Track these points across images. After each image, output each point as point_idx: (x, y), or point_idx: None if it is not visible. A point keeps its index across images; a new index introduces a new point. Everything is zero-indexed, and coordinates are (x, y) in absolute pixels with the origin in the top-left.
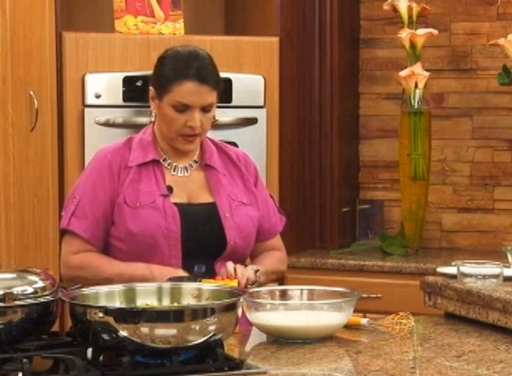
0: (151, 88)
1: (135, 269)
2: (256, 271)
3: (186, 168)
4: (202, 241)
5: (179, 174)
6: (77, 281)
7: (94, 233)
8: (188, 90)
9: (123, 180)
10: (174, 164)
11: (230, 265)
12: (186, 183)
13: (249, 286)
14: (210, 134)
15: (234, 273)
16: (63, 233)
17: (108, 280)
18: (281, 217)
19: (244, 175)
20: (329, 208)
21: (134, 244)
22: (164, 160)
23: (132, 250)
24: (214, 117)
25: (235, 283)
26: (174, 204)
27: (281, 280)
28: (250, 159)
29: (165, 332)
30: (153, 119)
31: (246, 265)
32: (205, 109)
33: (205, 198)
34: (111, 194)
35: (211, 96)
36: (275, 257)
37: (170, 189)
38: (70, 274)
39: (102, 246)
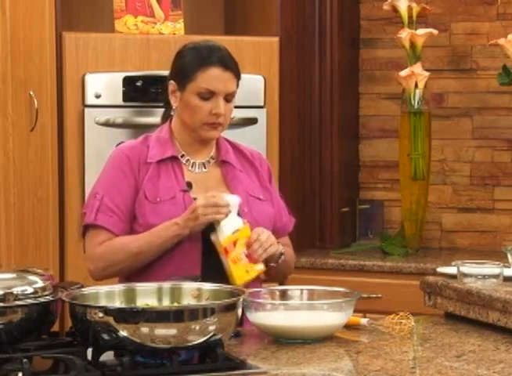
0: (171, 82)
1: (160, 231)
2: (281, 253)
3: (204, 165)
4: None
5: (197, 170)
6: (109, 272)
7: (121, 227)
8: (213, 75)
9: (143, 176)
10: (192, 161)
11: (258, 229)
12: (204, 179)
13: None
14: None
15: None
16: (86, 229)
17: (139, 254)
18: (291, 217)
19: (259, 172)
20: (329, 208)
21: None
22: (182, 157)
23: None
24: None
25: (256, 268)
26: (194, 198)
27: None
28: (264, 158)
29: (165, 332)
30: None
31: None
32: (227, 98)
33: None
34: (133, 189)
35: (234, 85)
36: (288, 252)
37: (189, 185)
38: (100, 265)
39: None
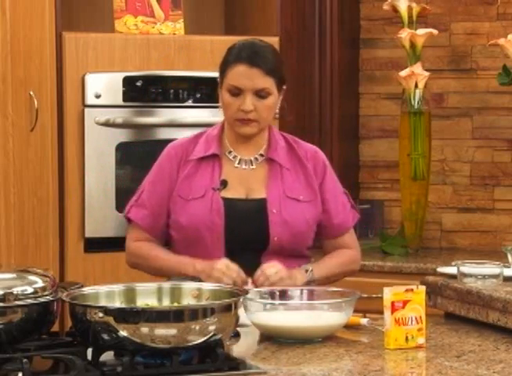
0: (218, 79)
1: (179, 264)
2: (307, 270)
3: (251, 161)
4: (246, 236)
5: (244, 166)
6: (137, 268)
7: (151, 223)
8: (239, 72)
9: (181, 174)
10: (240, 157)
11: (263, 267)
12: (249, 177)
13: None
14: None
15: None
16: (127, 221)
17: (159, 271)
18: (354, 213)
19: (309, 172)
20: None
21: (182, 234)
22: (229, 153)
23: (182, 240)
24: (276, 109)
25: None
26: (226, 198)
27: None
28: (320, 154)
29: (165, 332)
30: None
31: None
32: (260, 94)
33: (260, 194)
34: (169, 187)
35: (263, 81)
36: (344, 257)
37: (224, 183)
38: (131, 260)
39: (162, 236)
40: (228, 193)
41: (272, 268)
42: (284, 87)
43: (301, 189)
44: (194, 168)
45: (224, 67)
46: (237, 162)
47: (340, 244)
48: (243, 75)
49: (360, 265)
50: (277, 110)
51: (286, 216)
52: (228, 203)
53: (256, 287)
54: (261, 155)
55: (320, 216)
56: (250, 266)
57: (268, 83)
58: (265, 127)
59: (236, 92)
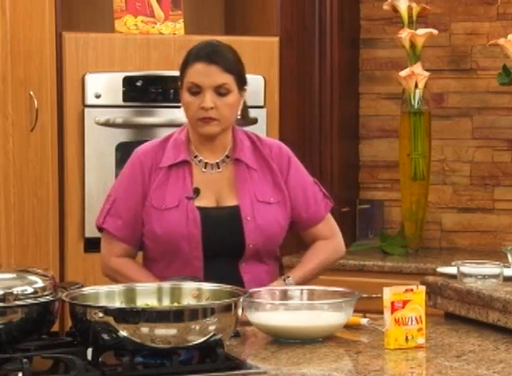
0: (179, 82)
1: None
2: (285, 279)
3: (218, 164)
4: (223, 244)
5: (211, 170)
6: (113, 280)
7: (127, 233)
8: (197, 70)
9: (153, 182)
10: (205, 161)
11: None
12: (216, 183)
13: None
14: None
15: None
16: (100, 230)
17: None
18: (326, 202)
19: (275, 171)
20: None
21: (159, 244)
22: (195, 158)
23: (158, 250)
24: (238, 110)
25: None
26: (199, 207)
27: None
28: (284, 150)
29: (165, 332)
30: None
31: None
32: (219, 92)
33: (231, 200)
34: (142, 195)
35: (222, 78)
36: (320, 252)
37: (197, 191)
38: (110, 275)
39: (138, 244)
40: (201, 202)
41: None
42: (246, 88)
43: (269, 191)
44: (165, 175)
45: (183, 68)
46: (203, 167)
47: (315, 234)
48: (201, 72)
49: (344, 251)
50: (239, 112)
51: (259, 221)
52: (203, 212)
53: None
54: (227, 156)
55: (290, 213)
56: (228, 272)
57: (227, 79)
58: (227, 127)
59: (196, 90)
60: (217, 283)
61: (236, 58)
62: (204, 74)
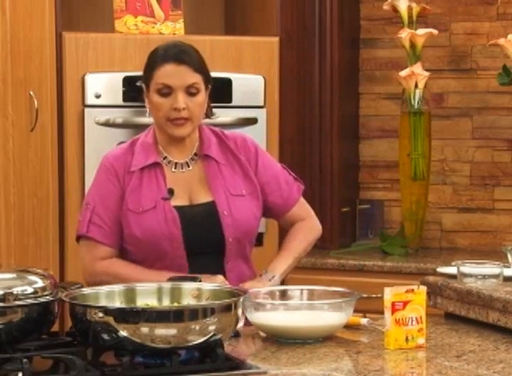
0: (142, 85)
1: (164, 277)
2: (270, 279)
3: (187, 163)
4: (204, 240)
5: (181, 170)
6: (101, 285)
7: (112, 238)
8: (167, 71)
9: (127, 186)
10: (175, 161)
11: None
12: (188, 181)
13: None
14: None
15: None
16: (80, 238)
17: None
18: (298, 185)
19: (243, 163)
20: (329, 208)
21: (140, 247)
22: (164, 159)
23: (139, 253)
24: (205, 107)
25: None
26: (176, 207)
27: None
28: (249, 142)
29: (165, 332)
30: (151, 118)
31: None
32: (190, 92)
33: (205, 197)
34: (120, 198)
35: (193, 77)
36: (302, 232)
37: (171, 191)
38: (97, 280)
39: (119, 246)
40: (175, 202)
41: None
42: (210, 86)
43: (241, 184)
44: (138, 179)
45: (149, 70)
46: (173, 167)
47: (291, 217)
48: (171, 73)
49: (320, 229)
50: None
51: (236, 215)
52: (180, 211)
53: None
54: (195, 154)
55: (262, 203)
56: (213, 268)
57: (196, 78)
58: (197, 126)
59: (166, 91)
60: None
61: (201, 57)
62: (175, 74)
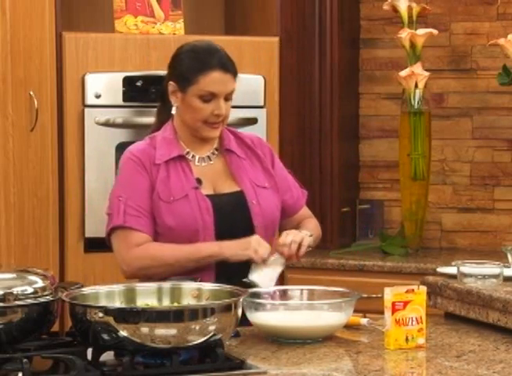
0: (171, 83)
1: (201, 248)
2: (310, 235)
3: (209, 157)
4: (233, 229)
5: (203, 164)
6: (142, 274)
7: (148, 227)
8: (215, 79)
9: (155, 177)
10: (198, 156)
11: (283, 235)
12: (211, 173)
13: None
14: None
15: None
16: (113, 231)
17: (174, 265)
18: (303, 191)
19: (261, 157)
20: (329, 208)
21: (172, 237)
22: (187, 154)
23: (170, 242)
24: None
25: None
26: (207, 195)
27: (281, 280)
28: (264, 142)
29: (165, 332)
30: (173, 112)
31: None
32: (227, 97)
33: (230, 187)
34: (150, 190)
35: (233, 84)
36: (313, 223)
37: (199, 181)
38: (134, 269)
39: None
40: (204, 191)
41: (288, 236)
42: None
43: (262, 177)
44: (165, 171)
45: (192, 75)
46: (196, 161)
47: (297, 219)
48: (218, 81)
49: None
50: None
51: (263, 205)
52: (211, 199)
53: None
54: (216, 149)
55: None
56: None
57: (235, 85)
58: None
59: (209, 97)
60: (231, 269)
61: (231, 57)
62: (220, 82)
